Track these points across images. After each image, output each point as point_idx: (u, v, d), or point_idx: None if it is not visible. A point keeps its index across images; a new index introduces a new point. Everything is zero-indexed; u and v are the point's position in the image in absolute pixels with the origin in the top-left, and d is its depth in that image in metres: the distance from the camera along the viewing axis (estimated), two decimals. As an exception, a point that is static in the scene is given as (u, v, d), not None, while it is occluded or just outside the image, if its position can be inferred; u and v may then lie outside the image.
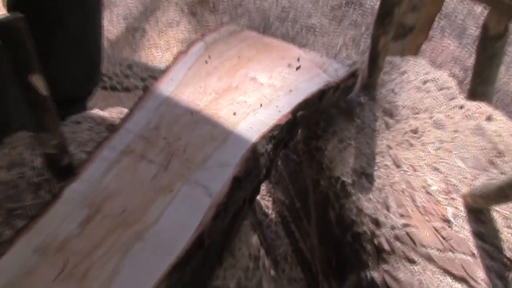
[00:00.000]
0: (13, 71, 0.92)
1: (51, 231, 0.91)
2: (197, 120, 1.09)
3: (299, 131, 1.22)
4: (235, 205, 0.99)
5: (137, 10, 3.02)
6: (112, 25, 2.82)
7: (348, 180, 1.12)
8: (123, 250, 0.89)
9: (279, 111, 1.12)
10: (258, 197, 1.18)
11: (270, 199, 1.45)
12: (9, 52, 0.91)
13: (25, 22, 0.89)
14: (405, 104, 1.27)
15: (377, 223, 1.06)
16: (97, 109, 1.24)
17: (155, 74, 2.29)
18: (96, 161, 1.02)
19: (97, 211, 0.94)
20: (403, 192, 1.10)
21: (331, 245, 1.16)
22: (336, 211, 1.12)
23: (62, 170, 1.06)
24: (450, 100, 1.27)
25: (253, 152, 1.04)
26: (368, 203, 1.08)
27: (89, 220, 0.93)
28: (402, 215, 1.06)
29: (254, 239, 1.05)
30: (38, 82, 0.94)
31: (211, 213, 0.94)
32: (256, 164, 1.04)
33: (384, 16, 1.19)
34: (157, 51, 2.67)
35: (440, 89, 1.30)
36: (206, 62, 1.23)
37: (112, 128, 1.09)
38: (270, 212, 1.41)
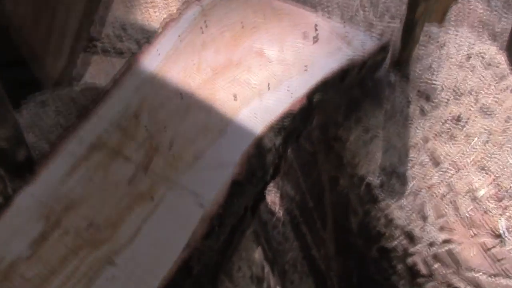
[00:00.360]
0: None
1: (-5, 251, 0.71)
2: (187, 105, 0.88)
3: (314, 117, 1.01)
4: (233, 217, 0.79)
5: (133, -35, 2.76)
6: (105, -17, 2.56)
7: (375, 180, 0.91)
8: (88, 278, 0.69)
9: (291, 95, 0.90)
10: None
11: (278, 193, 1.24)
12: None
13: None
14: (445, 84, 1.05)
15: (411, 237, 0.86)
16: (70, 87, 1.02)
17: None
18: (58, 157, 0.81)
19: (56, 224, 0.74)
20: (443, 197, 0.89)
21: (352, 258, 0.95)
22: (359, 218, 0.92)
23: (18, 166, 0.85)
24: (499, 80, 1.05)
25: (258, 147, 0.83)
26: (399, 211, 0.88)
27: (45, 236, 0.73)
28: (442, 228, 0.86)
29: (257, 253, 0.85)
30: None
31: (202, 230, 0.74)
32: (261, 163, 0.83)
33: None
34: (154, 10, 2.41)
35: (488, 67, 1.07)
36: (202, 30, 1.01)
37: (81, 113, 0.87)
38: (277, 209, 1.21)
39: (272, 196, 1.24)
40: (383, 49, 1.02)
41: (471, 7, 3.17)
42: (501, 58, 1.10)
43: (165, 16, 2.39)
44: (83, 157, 0.81)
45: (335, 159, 1.01)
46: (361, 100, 1.05)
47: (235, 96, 0.90)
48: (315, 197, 1.08)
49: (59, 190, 0.78)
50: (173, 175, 0.79)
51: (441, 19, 2.00)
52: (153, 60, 0.95)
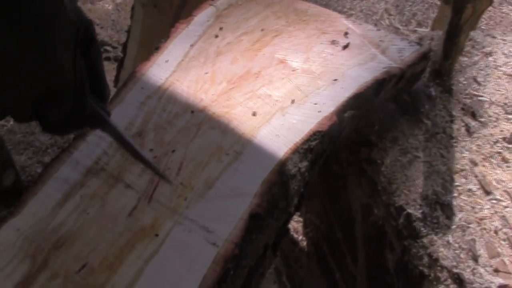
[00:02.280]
0: None
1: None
2: (199, 123, 0.78)
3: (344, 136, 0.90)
4: (251, 258, 0.68)
5: (145, -33, 2.68)
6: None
7: (416, 212, 0.80)
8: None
9: (319, 111, 0.80)
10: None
11: (301, 219, 1.14)
12: None
13: None
14: (494, 99, 0.93)
15: (460, 281, 0.75)
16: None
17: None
18: (49, 184, 0.71)
19: (43, 265, 0.65)
20: (496, 233, 0.78)
21: (387, 301, 0.84)
22: (397, 255, 0.80)
23: (5, 192, 0.76)
24: (557, 94, 0.93)
25: (281, 173, 0.73)
26: (446, 249, 0.77)
27: (29, 280, 0.63)
28: (496, 271, 0.75)
29: (279, 298, 0.74)
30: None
31: (215, 274, 0.63)
32: (285, 192, 0.73)
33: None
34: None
35: (543, 79, 0.95)
36: (216, 36, 0.91)
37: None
38: (300, 238, 1.10)
39: (294, 223, 1.13)
40: (423, 57, 0.91)
41: (503, 11, 3.04)
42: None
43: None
44: (79, 184, 0.72)
45: (368, 184, 0.90)
46: (397, 117, 0.94)
47: (254, 112, 0.80)
48: (344, 227, 0.97)
49: (48, 223, 0.68)
50: (181, 206, 0.70)
51: (474, 25, 1.88)
52: (160, 70, 0.85)
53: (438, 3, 2.92)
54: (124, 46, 1.79)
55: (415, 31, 2.74)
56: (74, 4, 0.54)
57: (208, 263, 0.65)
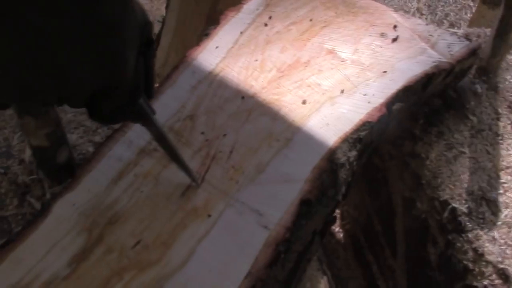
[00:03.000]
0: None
1: (30, 267, 0.64)
2: (249, 109, 0.79)
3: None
4: (301, 242, 0.69)
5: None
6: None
7: (461, 207, 0.80)
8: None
9: (369, 102, 0.81)
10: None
11: (338, 212, 1.14)
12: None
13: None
14: (541, 98, 0.93)
15: (505, 277, 0.75)
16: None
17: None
18: (103, 162, 0.73)
19: (99, 240, 0.66)
20: (544, 231, 0.78)
21: (427, 295, 0.85)
22: (440, 249, 0.81)
23: (59, 169, 0.78)
24: None
25: (330, 161, 0.73)
26: (491, 244, 0.77)
27: (85, 254, 0.65)
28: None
29: (323, 285, 0.75)
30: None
31: (267, 256, 0.64)
32: (334, 180, 0.74)
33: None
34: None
35: None
36: (266, 24, 0.92)
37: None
38: (336, 230, 1.11)
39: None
40: (472, 53, 0.91)
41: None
42: None
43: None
44: (132, 163, 0.74)
45: (411, 178, 0.90)
46: (443, 112, 0.94)
47: (304, 100, 0.81)
48: (383, 220, 0.98)
49: (103, 199, 0.70)
50: (232, 189, 0.71)
51: None
52: (211, 56, 0.87)
53: (471, 4, 2.90)
54: (158, 36, 1.80)
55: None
56: (139, 5, 0.56)
57: (259, 245, 0.66)
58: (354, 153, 0.77)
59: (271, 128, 0.77)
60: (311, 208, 0.70)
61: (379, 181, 0.98)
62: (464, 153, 0.88)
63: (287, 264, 0.68)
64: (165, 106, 0.80)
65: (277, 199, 0.70)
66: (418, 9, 2.85)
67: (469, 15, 2.77)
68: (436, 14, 2.79)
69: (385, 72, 0.85)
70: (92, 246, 0.66)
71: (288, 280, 0.69)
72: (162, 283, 0.63)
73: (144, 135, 0.77)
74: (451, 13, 2.82)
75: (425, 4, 2.86)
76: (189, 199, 0.70)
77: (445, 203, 0.83)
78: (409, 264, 0.90)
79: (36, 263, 0.65)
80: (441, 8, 2.85)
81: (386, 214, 0.96)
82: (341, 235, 1.11)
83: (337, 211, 1.16)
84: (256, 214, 0.69)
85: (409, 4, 2.82)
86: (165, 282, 0.63)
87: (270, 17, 0.94)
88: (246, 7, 0.95)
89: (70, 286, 0.63)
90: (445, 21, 2.76)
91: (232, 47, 0.88)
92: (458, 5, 2.91)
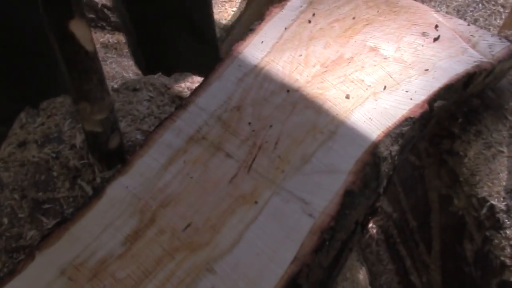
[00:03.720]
0: (45, 14, 0.67)
1: (85, 245, 0.67)
2: (294, 102, 0.81)
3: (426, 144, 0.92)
4: (344, 232, 0.71)
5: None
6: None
7: (499, 204, 0.81)
8: (185, 285, 0.63)
9: (411, 98, 0.82)
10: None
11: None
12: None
13: None
14: None
15: (543, 274, 0.75)
16: (160, 74, 0.98)
17: (228, 34, 2.01)
18: (154, 148, 0.76)
19: (151, 222, 0.69)
20: None
21: (462, 290, 0.86)
22: (476, 246, 0.82)
23: (109, 154, 0.81)
24: None
25: (373, 155, 0.75)
26: (530, 240, 0.78)
27: (138, 234, 0.68)
28: None
29: (362, 275, 0.77)
30: (81, 31, 0.68)
31: (313, 243, 0.67)
32: (376, 173, 0.76)
33: None
34: (231, 6, 2.38)
35: None
36: (309, 21, 0.94)
37: (179, 102, 0.82)
38: (370, 226, 1.12)
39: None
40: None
41: None
42: None
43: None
44: (181, 150, 0.76)
45: (448, 176, 0.92)
46: (482, 111, 0.95)
47: (347, 95, 0.83)
48: (418, 216, 0.99)
49: (155, 183, 0.73)
50: (278, 178, 0.73)
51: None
52: (256, 50, 0.89)
53: (501, 10, 2.88)
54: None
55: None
56: None
57: (305, 232, 0.68)
58: (396, 147, 0.79)
59: (315, 120, 0.80)
60: (355, 199, 0.72)
61: (415, 178, 0.99)
62: (503, 152, 0.89)
63: (331, 251, 0.70)
64: (212, 97, 0.82)
65: (322, 189, 0.72)
66: (447, 14, 2.85)
67: (498, 21, 2.76)
68: (465, 19, 2.78)
69: (427, 70, 0.87)
70: (145, 227, 0.69)
71: (331, 267, 0.71)
72: (212, 265, 0.65)
73: (193, 124, 0.80)
74: (481, 19, 2.81)
75: (454, 9, 2.86)
76: (237, 186, 0.73)
77: (483, 200, 0.85)
78: (444, 260, 0.92)
79: (91, 241, 0.68)
80: (470, 14, 2.85)
81: (421, 211, 0.97)
82: (374, 230, 1.13)
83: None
84: (302, 203, 0.71)
85: (439, 9, 2.82)
86: (214, 263, 0.66)
87: (313, 14, 0.96)
88: (290, 4, 0.98)
89: (124, 264, 0.66)
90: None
91: (277, 42, 0.91)
92: (488, 11, 2.90)
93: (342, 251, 0.73)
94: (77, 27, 0.68)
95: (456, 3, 2.88)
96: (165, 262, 0.66)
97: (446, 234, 0.92)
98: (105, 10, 2.08)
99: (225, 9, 2.36)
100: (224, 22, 2.23)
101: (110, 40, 2.10)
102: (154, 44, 1.42)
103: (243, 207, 0.70)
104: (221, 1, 2.42)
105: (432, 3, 2.82)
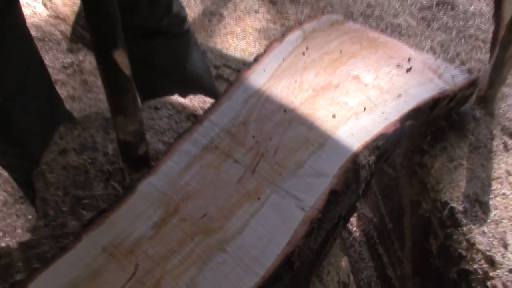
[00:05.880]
0: (94, 45, 0.85)
1: (122, 229, 0.84)
2: (290, 119, 0.99)
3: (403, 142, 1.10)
4: (329, 223, 0.89)
5: (215, -7, 2.96)
6: (189, 7, 2.76)
7: (458, 206, 0.99)
8: (202, 260, 0.80)
9: (386, 118, 1.00)
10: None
11: (355, 215, 1.33)
12: (92, 22, 0.84)
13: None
14: (529, 123, 1.12)
15: (491, 262, 0.93)
16: (177, 95, 1.16)
17: (229, 62, 2.21)
18: (176, 154, 0.94)
19: (174, 212, 0.86)
20: (524, 228, 0.96)
21: (430, 279, 1.03)
22: (440, 241, 0.99)
23: (137, 160, 0.99)
24: None
25: (354, 162, 0.93)
26: (481, 237, 0.95)
27: (164, 221, 0.85)
28: (523, 257, 0.92)
29: (344, 262, 0.94)
30: (122, 59, 0.86)
31: (304, 230, 0.84)
32: (356, 177, 0.93)
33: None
34: (233, 38, 2.59)
35: None
36: (303, 53, 1.13)
37: (194, 118, 1.00)
38: (354, 229, 1.29)
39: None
40: (472, 84, 1.11)
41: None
42: None
43: (242, 44, 2.56)
44: (197, 157, 0.94)
45: (418, 184, 1.09)
46: (447, 131, 1.14)
47: (334, 115, 1.01)
48: (394, 219, 1.17)
49: (177, 182, 0.90)
50: (277, 179, 0.91)
51: None
52: (259, 77, 1.08)
53: (482, 44, 3.10)
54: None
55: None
56: None
57: (297, 222, 0.85)
58: (373, 157, 0.97)
59: (307, 134, 0.98)
60: (338, 197, 0.90)
61: (391, 187, 1.17)
62: (463, 165, 1.07)
63: (318, 238, 0.87)
64: (223, 114, 1.00)
65: (312, 189, 0.90)
66: (431, 48, 3.06)
67: (479, 55, 2.97)
68: (448, 53, 3.00)
69: (400, 95, 1.06)
70: (170, 217, 0.86)
71: (318, 251, 0.88)
72: (223, 245, 0.82)
73: (207, 136, 0.98)
74: (463, 52, 3.03)
75: (438, 43, 3.08)
76: (243, 185, 0.90)
77: (445, 204, 1.02)
78: (414, 255, 1.08)
79: (127, 226, 0.85)
80: (453, 48, 3.06)
81: (396, 214, 1.14)
82: (357, 233, 1.30)
83: (355, 214, 1.35)
84: (295, 199, 0.88)
85: (424, 43, 3.03)
86: (225, 244, 0.83)
87: (307, 48, 1.15)
88: (288, 39, 1.17)
89: (153, 244, 0.83)
90: (456, 59, 2.97)
91: (276, 70, 1.09)
92: (469, 46, 3.12)
93: (327, 238, 0.91)
94: (119, 56, 0.86)
95: (440, 38, 3.10)
96: (186, 243, 0.83)
97: (416, 232, 1.09)
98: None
99: (227, 40, 2.57)
100: (225, 52, 2.43)
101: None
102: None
103: (248, 202, 0.88)
104: (223, 33, 2.63)
105: (418, 38, 3.04)
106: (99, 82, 1.96)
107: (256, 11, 2.75)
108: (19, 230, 1.79)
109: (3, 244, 1.69)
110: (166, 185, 0.90)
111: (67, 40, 2.56)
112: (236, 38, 2.56)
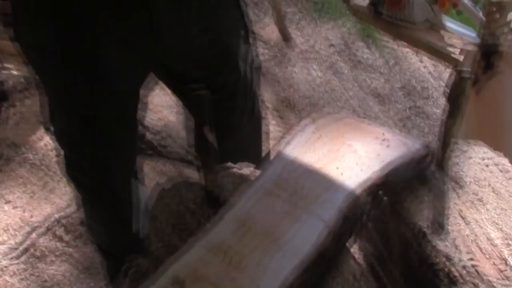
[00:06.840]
0: (196, 124, 1.41)
1: (217, 236, 1.34)
2: (311, 171, 1.54)
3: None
4: (345, 237, 1.41)
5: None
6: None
7: (423, 224, 1.52)
8: (266, 252, 1.30)
9: (373, 173, 1.55)
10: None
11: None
12: (196, 110, 1.40)
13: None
14: (468, 174, 1.70)
15: (449, 259, 1.44)
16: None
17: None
18: (244, 197, 1.46)
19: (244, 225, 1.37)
20: (467, 236, 1.50)
21: (411, 280, 1.53)
22: (418, 254, 1.51)
23: (214, 201, 1.51)
24: (505, 172, 1.69)
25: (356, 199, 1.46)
26: (441, 242, 1.48)
27: (239, 230, 1.35)
28: (468, 253, 1.45)
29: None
30: (208, 134, 1.42)
31: (329, 239, 1.35)
32: (360, 210, 1.46)
33: (453, 110, 1.64)
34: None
35: (495, 165, 1.71)
36: (314, 132, 1.70)
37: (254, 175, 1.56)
38: (357, 256, 1.78)
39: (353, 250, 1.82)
40: (430, 153, 1.69)
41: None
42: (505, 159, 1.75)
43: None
44: (258, 199, 1.46)
45: (397, 215, 1.63)
46: (415, 184, 1.69)
47: (337, 167, 1.55)
48: (387, 248, 1.69)
49: (245, 211, 1.41)
50: (308, 208, 1.43)
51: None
52: (289, 150, 1.63)
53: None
54: None
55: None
56: None
57: (324, 234, 1.36)
58: (369, 198, 1.50)
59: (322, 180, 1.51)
60: (348, 221, 1.42)
61: (384, 228, 1.69)
62: (425, 199, 1.58)
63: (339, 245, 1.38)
64: (271, 173, 1.54)
65: (331, 213, 1.41)
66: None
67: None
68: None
69: (383, 161, 1.60)
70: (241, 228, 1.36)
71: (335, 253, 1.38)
72: (280, 245, 1.32)
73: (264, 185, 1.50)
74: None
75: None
76: (289, 213, 1.41)
77: (415, 224, 1.54)
78: (403, 267, 1.58)
79: (218, 234, 1.34)
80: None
81: (388, 245, 1.66)
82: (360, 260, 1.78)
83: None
84: (321, 220, 1.39)
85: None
86: (282, 244, 1.32)
87: (317, 129, 1.72)
88: (303, 123, 1.74)
89: (236, 242, 1.32)
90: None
91: (298, 142, 1.65)
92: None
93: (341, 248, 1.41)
94: (207, 131, 1.41)
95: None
96: (255, 242, 1.32)
97: (403, 254, 1.60)
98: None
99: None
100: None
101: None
102: None
103: (293, 221, 1.39)
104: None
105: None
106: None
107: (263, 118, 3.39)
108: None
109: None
110: (238, 213, 1.41)
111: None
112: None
